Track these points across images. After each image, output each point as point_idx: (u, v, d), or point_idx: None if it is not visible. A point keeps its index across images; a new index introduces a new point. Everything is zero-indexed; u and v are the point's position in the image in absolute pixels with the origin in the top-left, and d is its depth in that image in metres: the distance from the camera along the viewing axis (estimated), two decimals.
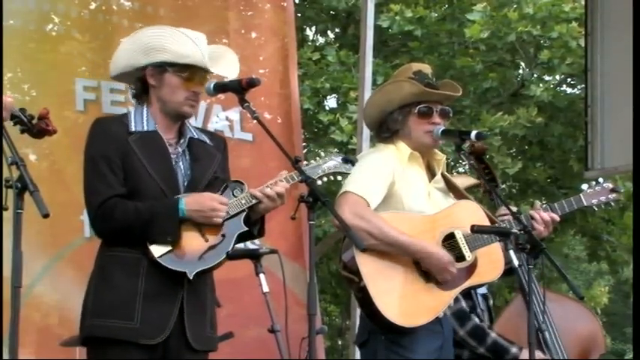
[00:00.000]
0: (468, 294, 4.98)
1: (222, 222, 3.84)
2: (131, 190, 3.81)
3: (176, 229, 3.77)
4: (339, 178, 4.15)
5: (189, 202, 3.78)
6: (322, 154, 4.19)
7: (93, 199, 3.83)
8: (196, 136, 4.01)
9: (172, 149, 3.93)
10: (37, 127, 3.63)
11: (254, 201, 3.88)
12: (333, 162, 4.07)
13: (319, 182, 4.02)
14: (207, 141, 4.04)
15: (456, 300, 4.84)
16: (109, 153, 3.82)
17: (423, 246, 4.32)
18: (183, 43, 3.93)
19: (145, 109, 3.96)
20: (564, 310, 5.16)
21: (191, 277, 3.78)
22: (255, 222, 3.97)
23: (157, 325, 3.76)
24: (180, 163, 3.93)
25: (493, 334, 4.94)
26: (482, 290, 5.12)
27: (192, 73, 3.92)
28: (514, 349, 4.88)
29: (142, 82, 3.94)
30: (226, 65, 4.05)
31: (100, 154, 3.83)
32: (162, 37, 3.96)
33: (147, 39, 3.96)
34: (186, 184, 3.89)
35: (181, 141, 3.97)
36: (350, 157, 4.20)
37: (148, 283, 3.76)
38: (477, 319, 4.96)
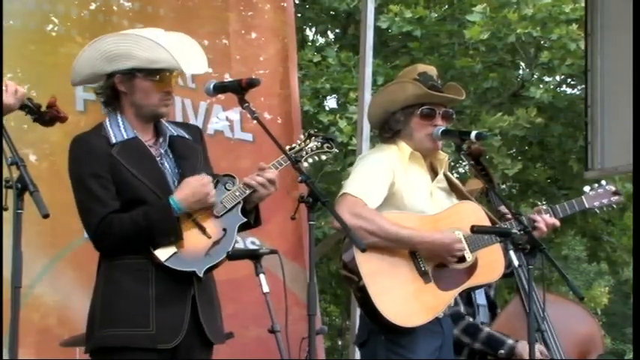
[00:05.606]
0: (469, 301, 4.99)
1: (221, 215, 3.85)
2: (127, 201, 3.78)
3: (176, 228, 3.76)
4: (324, 157, 4.14)
5: (181, 198, 3.77)
6: (302, 136, 4.17)
7: (90, 220, 3.80)
8: (175, 134, 3.98)
9: (154, 151, 3.90)
10: (49, 115, 3.65)
11: (248, 191, 3.88)
12: (313, 143, 4.08)
13: (305, 164, 4.03)
14: (186, 135, 4.02)
15: (456, 304, 4.85)
16: (97, 170, 3.78)
17: (424, 236, 4.32)
18: (149, 48, 3.86)
19: (119, 117, 3.91)
20: (562, 311, 5.16)
21: (201, 275, 3.78)
22: (250, 212, 3.97)
23: (173, 329, 3.74)
24: (166, 164, 3.91)
25: (487, 329, 4.96)
26: (484, 301, 5.13)
27: (163, 75, 3.88)
28: (510, 341, 4.89)
29: (112, 89, 3.90)
30: (195, 60, 3.98)
31: (88, 173, 3.78)
32: (125, 43, 3.89)
33: (109, 46, 3.89)
34: (176, 183, 3.86)
35: (160, 140, 3.94)
36: (329, 135, 4.20)
37: (158, 287, 3.75)
38: (470, 319, 4.97)
